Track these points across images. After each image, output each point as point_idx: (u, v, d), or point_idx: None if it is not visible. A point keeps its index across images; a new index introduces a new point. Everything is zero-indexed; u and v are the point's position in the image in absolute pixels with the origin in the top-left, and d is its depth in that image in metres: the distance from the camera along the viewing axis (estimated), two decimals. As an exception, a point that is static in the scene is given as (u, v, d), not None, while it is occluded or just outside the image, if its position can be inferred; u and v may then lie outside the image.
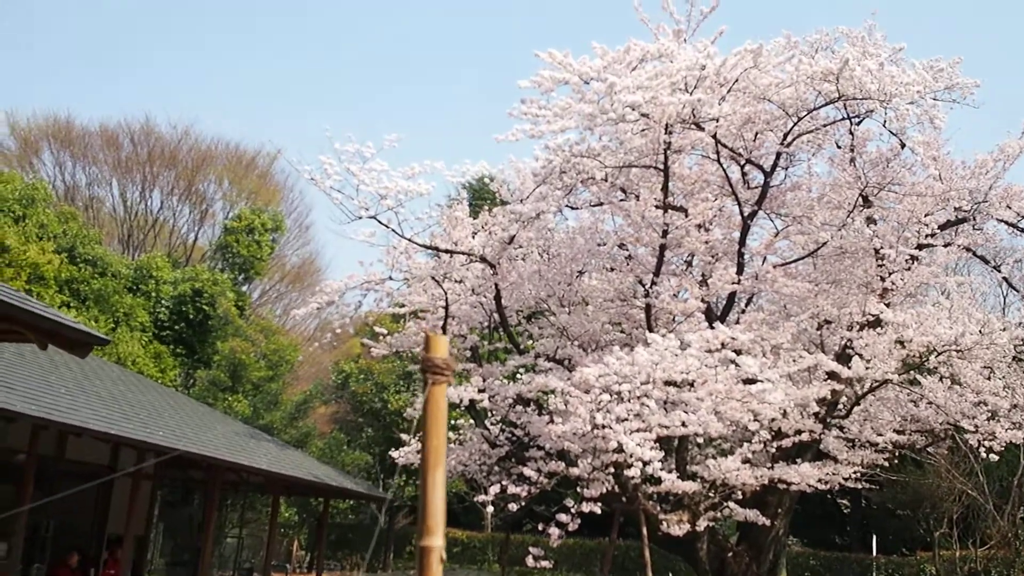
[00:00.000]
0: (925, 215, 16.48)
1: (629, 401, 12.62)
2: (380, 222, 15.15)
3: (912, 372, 16.97)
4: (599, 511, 13.51)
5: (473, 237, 16.44)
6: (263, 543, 27.77)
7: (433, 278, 17.08)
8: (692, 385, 13.09)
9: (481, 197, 22.83)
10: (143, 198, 44.17)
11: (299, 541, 34.31)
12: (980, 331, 15.19)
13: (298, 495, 28.26)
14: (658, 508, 15.35)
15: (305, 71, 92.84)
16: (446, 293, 16.89)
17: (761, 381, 13.15)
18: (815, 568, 26.88)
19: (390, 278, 17.19)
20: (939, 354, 15.66)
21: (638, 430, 12.61)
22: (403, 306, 18.61)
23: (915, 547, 25.42)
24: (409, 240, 15.87)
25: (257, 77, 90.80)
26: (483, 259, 16.11)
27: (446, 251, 16.36)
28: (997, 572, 21.93)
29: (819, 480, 15.82)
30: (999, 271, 18.24)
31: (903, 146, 17.03)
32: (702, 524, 15.44)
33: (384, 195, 14.90)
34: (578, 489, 13.97)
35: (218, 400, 27.75)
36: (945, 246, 17.35)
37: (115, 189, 44.97)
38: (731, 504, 15.86)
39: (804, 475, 15.36)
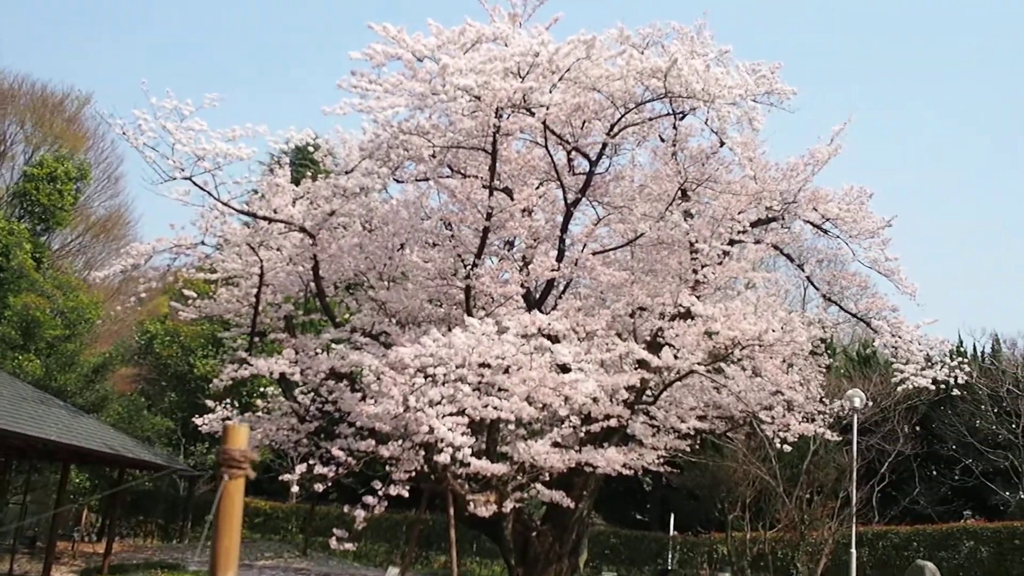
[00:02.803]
0: (739, 212, 17.06)
1: (444, 385, 12.55)
2: (196, 184, 14.52)
3: (718, 362, 17.57)
4: (406, 494, 13.43)
5: (294, 205, 15.97)
6: (49, 509, 26.40)
7: (249, 245, 16.53)
8: (507, 371, 13.13)
9: (304, 163, 22.21)
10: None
11: (90, 507, 32.78)
12: (782, 328, 15.83)
13: (91, 464, 26.96)
14: (466, 488, 15.39)
15: (129, 11, 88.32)
16: (261, 261, 16.37)
17: (575, 370, 13.34)
18: (615, 546, 27.69)
19: (202, 243, 16.55)
20: (743, 348, 16.25)
21: (451, 414, 12.57)
22: (215, 272, 17.97)
23: (710, 528, 26.53)
24: (225, 204, 15.28)
25: (72, 11, 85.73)
26: (303, 229, 15.69)
27: (264, 218, 15.84)
28: (783, 553, 23.12)
29: (624, 465, 16.21)
30: (802, 269, 19.06)
31: (722, 144, 17.56)
32: (509, 505, 15.59)
33: (201, 156, 14.26)
34: (387, 468, 13.84)
35: (7, 359, 26.05)
36: (755, 243, 18.03)
37: None
38: (538, 486, 16.07)
39: (610, 459, 15.69)
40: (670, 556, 26.81)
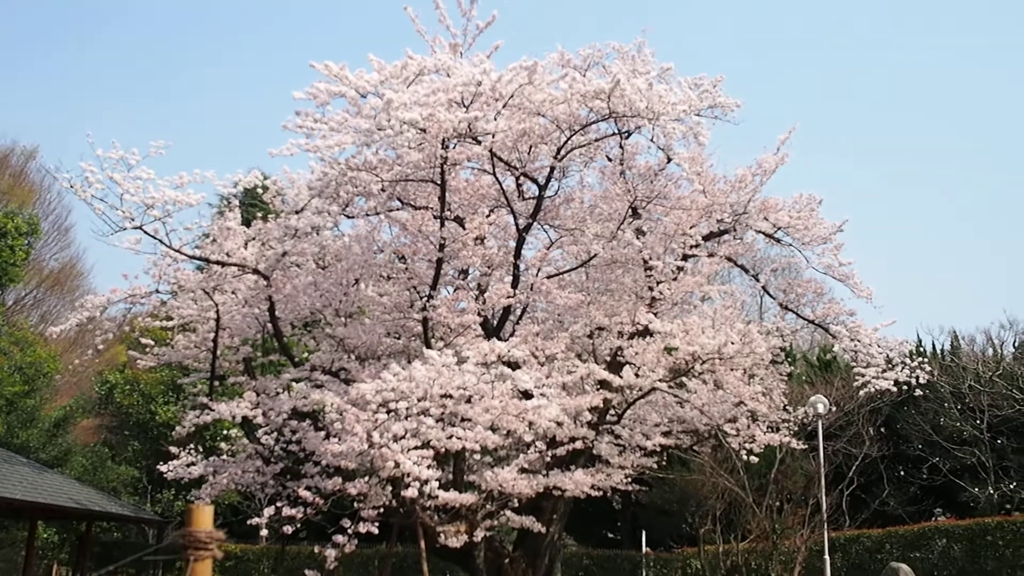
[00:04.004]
0: (690, 227, 17.20)
1: (407, 418, 12.52)
2: (147, 232, 14.44)
3: (679, 378, 17.65)
4: (376, 530, 13.35)
5: (246, 247, 15.90)
6: (18, 567, 25.98)
7: (203, 290, 16.44)
8: (469, 401, 13.12)
9: (254, 205, 22.15)
10: None
11: (60, 562, 32.26)
12: (741, 339, 15.94)
13: (58, 519, 26.57)
14: (436, 519, 15.32)
15: (69, 67, 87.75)
16: (217, 305, 16.28)
17: (537, 396, 13.36)
18: (588, 567, 27.64)
19: (157, 291, 16.43)
20: (704, 362, 16.34)
21: (415, 447, 12.52)
22: (171, 318, 17.84)
23: (682, 543, 26.56)
24: (178, 251, 15.20)
25: (12, 67, 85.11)
26: (256, 271, 15.63)
27: (217, 263, 15.76)
28: (756, 564, 23.17)
29: (592, 486, 16.22)
30: (757, 280, 19.18)
31: (669, 160, 17.72)
32: (479, 534, 15.52)
33: (151, 205, 14.21)
34: (355, 505, 13.76)
35: (-34, 420, 25.70)
36: (709, 256, 18.17)
37: None
38: (508, 512, 16.04)
39: (578, 482, 15.69)
40: (644, 573, 26.80)
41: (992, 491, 26.66)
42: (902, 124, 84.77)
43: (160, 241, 14.66)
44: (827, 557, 20.50)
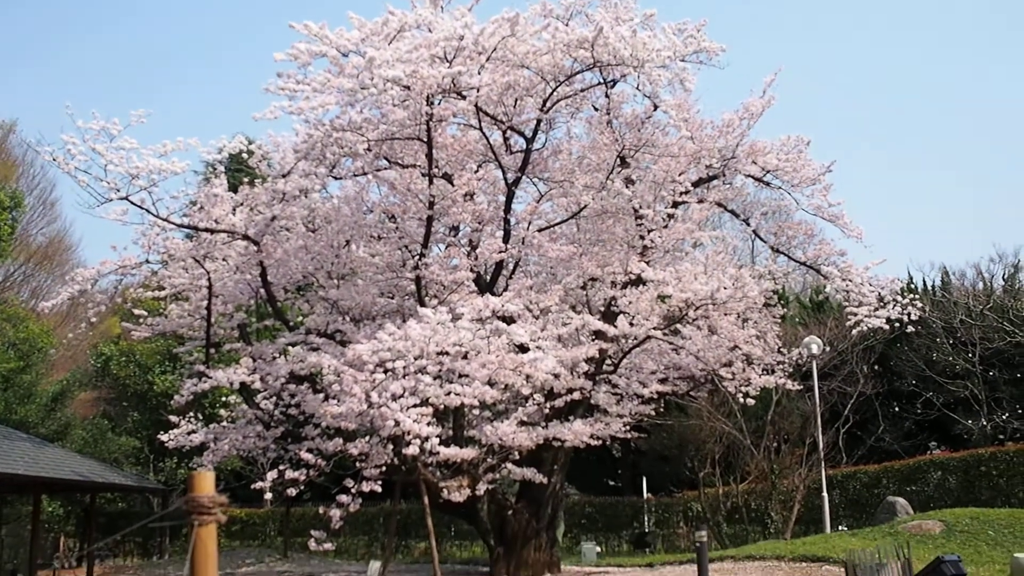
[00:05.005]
0: (679, 174, 17.18)
1: (404, 377, 12.57)
2: (133, 203, 14.38)
3: (674, 325, 17.73)
4: (379, 489, 13.44)
5: (234, 213, 15.85)
6: (25, 541, 26.11)
7: (194, 258, 16.41)
8: (466, 357, 13.17)
9: (240, 170, 22.02)
10: None
11: (66, 534, 32.42)
12: (733, 284, 15.99)
13: (62, 492, 26.69)
14: (438, 475, 15.45)
15: (45, 35, 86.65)
16: (208, 273, 16.25)
17: (533, 349, 13.41)
18: (591, 515, 27.86)
19: (147, 261, 16.40)
20: (697, 308, 16.40)
21: (414, 405, 12.59)
22: (163, 288, 17.83)
23: (683, 487, 26.82)
24: (165, 220, 15.16)
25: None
26: (246, 237, 15.59)
27: (206, 230, 15.72)
28: (756, 504, 23.42)
29: (591, 435, 16.34)
30: (748, 224, 19.22)
31: (656, 108, 17.65)
32: (482, 488, 15.67)
33: (135, 175, 14.13)
34: (357, 465, 13.85)
35: (-36, 398, 25.71)
36: (699, 202, 18.18)
37: None
38: (509, 465, 16.17)
39: (577, 432, 15.80)
40: (646, 519, 27.07)
41: (985, 423, 26.92)
42: (891, 62, 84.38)
43: (147, 211, 14.60)
44: (825, 494, 20.75)
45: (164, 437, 18.02)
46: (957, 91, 78.76)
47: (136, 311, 18.91)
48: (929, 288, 31.69)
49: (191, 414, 18.79)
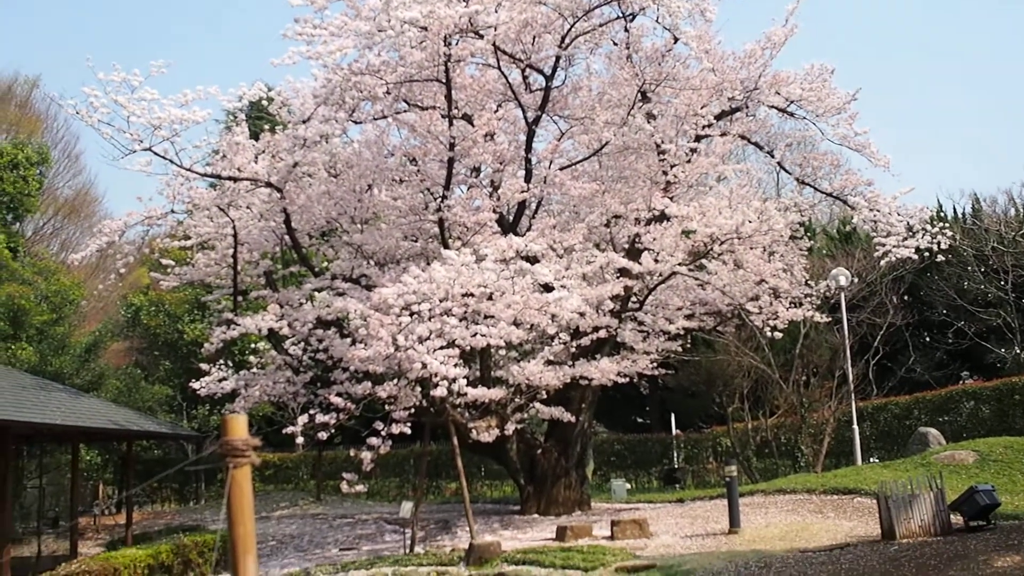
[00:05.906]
0: (702, 107, 16.99)
1: (430, 320, 12.61)
2: (157, 153, 14.42)
3: (699, 260, 17.65)
4: (408, 431, 13.57)
5: (256, 161, 15.87)
6: (66, 489, 26.63)
7: (218, 206, 16.48)
8: (491, 298, 13.20)
9: (260, 118, 21.98)
10: None
11: (105, 481, 33.04)
12: (759, 218, 15.87)
13: (99, 441, 27.13)
14: (467, 416, 15.57)
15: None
16: (233, 221, 16.32)
17: (557, 288, 13.41)
18: (620, 452, 27.98)
19: (172, 211, 16.49)
20: (722, 242, 16.31)
21: (441, 348, 12.65)
22: (189, 237, 17.94)
23: (711, 423, 26.83)
24: (189, 170, 15.21)
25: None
26: (269, 184, 15.61)
27: (229, 178, 15.75)
28: (786, 438, 23.42)
29: (618, 373, 16.39)
30: (772, 156, 19.00)
31: (676, 40, 17.38)
32: (510, 427, 15.80)
33: (158, 125, 14.16)
34: (387, 407, 13.98)
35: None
36: (722, 135, 17.99)
37: None
38: (537, 404, 16.29)
39: (604, 370, 15.86)
40: (675, 455, 27.16)
41: (1019, 350, 26.68)
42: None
43: (171, 161, 14.65)
44: (856, 427, 20.68)
45: (195, 385, 18.22)
46: (986, 9, 77.14)
47: (163, 261, 19.07)
48: (959, 216, 31.27)
49: (221, 361, 18.99)
